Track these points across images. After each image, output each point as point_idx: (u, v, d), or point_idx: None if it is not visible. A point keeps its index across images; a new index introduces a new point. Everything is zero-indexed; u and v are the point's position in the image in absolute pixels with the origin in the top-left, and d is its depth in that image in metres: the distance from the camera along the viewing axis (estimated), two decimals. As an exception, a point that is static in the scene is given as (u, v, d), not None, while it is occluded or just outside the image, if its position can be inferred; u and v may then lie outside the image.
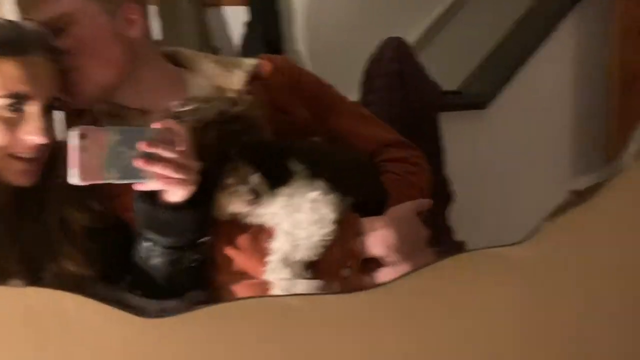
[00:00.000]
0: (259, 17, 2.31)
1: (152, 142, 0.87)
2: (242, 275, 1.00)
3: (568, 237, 0.75)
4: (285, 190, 0.98)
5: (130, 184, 0.90)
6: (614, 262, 0.73)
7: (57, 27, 1.03)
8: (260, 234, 0.99)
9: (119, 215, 1.03)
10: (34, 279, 0.93)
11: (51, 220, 0.98)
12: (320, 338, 0.84)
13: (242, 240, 0.99)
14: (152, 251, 0.94)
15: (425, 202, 1.09)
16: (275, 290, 0.96)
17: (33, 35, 0.95)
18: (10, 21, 0.99)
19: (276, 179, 0.98)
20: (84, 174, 0.85)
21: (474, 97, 2.00)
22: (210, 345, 0.84)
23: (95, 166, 0.85)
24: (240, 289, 1.00)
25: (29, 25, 0.97)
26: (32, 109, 0.92)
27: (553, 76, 2.05)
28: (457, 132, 1.89)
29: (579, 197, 0.72)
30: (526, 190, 1.98)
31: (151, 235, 0.94)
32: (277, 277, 0.96)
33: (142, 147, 0.87)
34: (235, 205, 0.96)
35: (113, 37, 1.07)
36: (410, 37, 2.17)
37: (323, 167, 1.03)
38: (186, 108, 0.97)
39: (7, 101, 0.90)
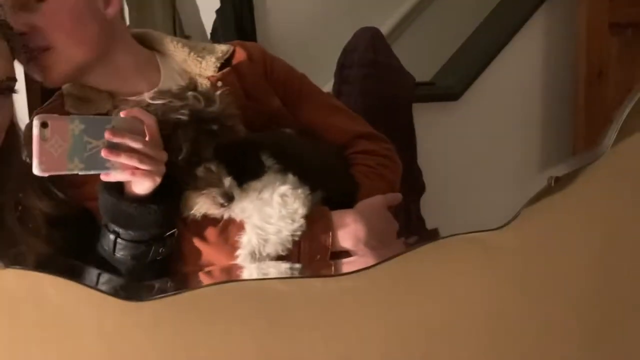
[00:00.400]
0: (231, 4, 2.29)
1: (117, 131, 0.85)
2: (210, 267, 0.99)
3: (546, 223, 0.77)
4: (256, 185, 0.98)
5: (96, 174, 0.87)
6: (591, 247, 0.75)
7: (31, 2, 0.99)
8: (230, 227, 0.98)
9: (83, 204, 1.01)
10: None
11: (8, 207, 0.95)
12: (304, 321, 0.85)
13: (211, 233, 0.98)
14: (116, 244, 0.93)
15: (395, 197, 1.12)
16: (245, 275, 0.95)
17: None
18: None
19: (248, 175, 0.97)
20: (45, 164, 0.82)
21: (447, 89, 2.03)
22: (188, 329, 0.84)
23: (57, 156, 0.82)
24: (208, 277, 0.99)
25: None
26: None
27: (523, 69, 2.09)
28: (429, 123, 1.92)
29: (558, 183, 0.74)
30: (498, 179, 2.03)
31: (116, 228, 0.92)
32: (247, 271, 0.96)
33: (107, 136, 0.84)
34: (207, 207, 0.95)
35: (89, 14, 1.04)
36: (384, 28, 2.19)
37: (294, 161, 1.03)
38: (158, 102, 0.95)
39: None
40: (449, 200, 1.87)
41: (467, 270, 0.78)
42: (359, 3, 2.19)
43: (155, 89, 1.06)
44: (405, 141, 1.91)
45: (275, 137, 1.09)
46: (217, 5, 2.21)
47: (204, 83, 1.12)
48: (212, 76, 1.13)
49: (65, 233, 0.96)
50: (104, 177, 0.88)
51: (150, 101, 0.94)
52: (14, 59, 0.95)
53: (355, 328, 0.87)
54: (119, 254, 0.92)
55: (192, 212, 0.94)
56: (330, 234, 0.99)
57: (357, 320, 0.87)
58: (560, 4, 2.14)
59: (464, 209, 1.99)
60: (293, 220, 0.97)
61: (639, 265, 0.78)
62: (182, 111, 0.93)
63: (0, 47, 0.92)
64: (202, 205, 0.94)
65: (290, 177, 0.97)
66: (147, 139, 0.87)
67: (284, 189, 0.98)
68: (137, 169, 0.86)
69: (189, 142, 0.91)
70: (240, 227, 0.98)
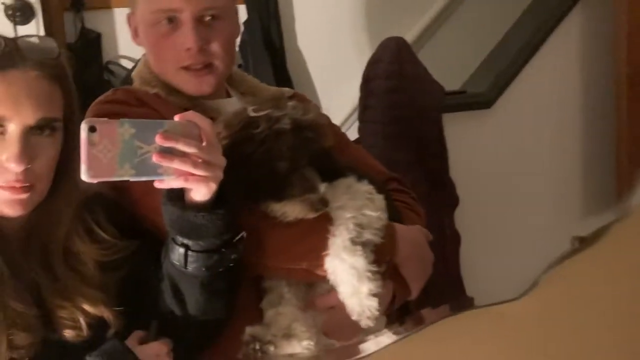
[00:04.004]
0: (257, 15, 2.27)
1: (169, 135, 0.79)
2: (299, 260, 0.96)
3: (568, 290, 0.69)
4: (344, 181, 0.99)
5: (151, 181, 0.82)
6: (614, 313, 0.67)
7: (207, 18, 1.03)
8: (321, 220, 0.96)
9: (139, 227, 0.98)
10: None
11: (57, 255, 0.88)
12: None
13: (301, 225, 0.96)
14: (187, 257, 0.86)
15: (429, 234, 1.12)
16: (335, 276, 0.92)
17: (25, 49, 0.86)
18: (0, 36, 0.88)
19: (337, 175, 0.99)
20: (93, 170, 0.77)
21: (478, 97, 1.94)
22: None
23: (106, 162, 0.77)
24: (295, 274, 0.97)
25: (24, 40, 0.88)
26: (11, 130, 0.82)
27: (559, 72, 1.99)
28: (461, 133, 1.84)
29: (583, 243, 0.67)
30: (534, 191, 1.93)
31: (184, 240, 0.86)
32: (348, 255, 0.94)
33: (159, 140, 0.79)
34: (305, 213, 0.94)
35: (237, 35, 1.12)
36: (410, 34, 2.11)
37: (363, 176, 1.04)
38: (261, 113, 0.94)
39: None
40: (485, 219, 1.79)
41: (488, 344, 0.71)
42: (384, 11, 2.13)
43: (253, 103, 1.08)
44: (435, 152, 1.84)
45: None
46: (244, 16, 2.18)
47: None
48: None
49: (118, 276, 0.89)
50: (157, 184, 0.81)
51: (254, 113, 0.94)
52: (65, 102, 0.92)
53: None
54: (191, 267, 0.86)
55: (289, 218, 0.93)
56: (396, 240, 1.01)
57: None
58: (596, 3, 2.01)
59: (499, 225, 1.91)
60: (379, 217, 0.98)
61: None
62: (285, 120, 0.93)
63: (39, 86, 0.85)
64: (300, 211, 0.94)
65: (366, 182, 1.01)
66: (203, 143, 0.83)
67: (369, 188, 1.01)
68: (191, 174, 0.82)
69: (290, 150, 0.92)
70: (329, 218, 0.97)
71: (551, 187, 1.96)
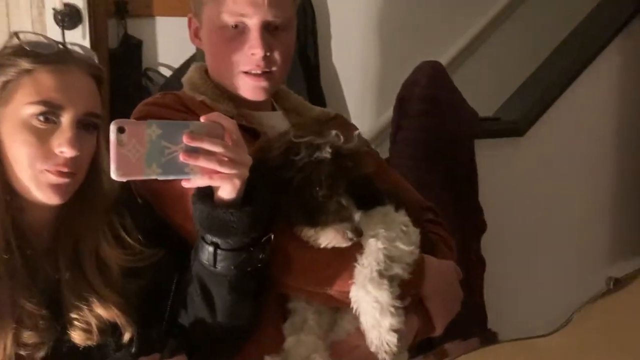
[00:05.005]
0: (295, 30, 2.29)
1: (195, 135, 0.83)
2: (323, 285, 0.96)
3: (601, 327, 0.70)
4: (380, 209, 0.99)
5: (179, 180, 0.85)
6: None
7: (271, 28, 1.06)
8: (353, 245, 0.96)
9: (170, 234, 0.99)
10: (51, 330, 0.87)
11: (88, 256, 0.93)
12: None
13: (331, 249, 0.95)
14: (216, 255, 0.90)
15: (460, 272, 1.11)
16: (358, 305, 0.92)
17: (73, 53, 0.94)
18: (53, 40, 0.97)
19: (375, 203, 0.99)
20: (122, 169, 0.81)
21: (511, 124, 1.94)
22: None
23: (135, 161, 0.81)
24: (318, 298, 0.98)
25: (72, 47, 0.96)
26: (65, 120, 0.89)
27: (593, 103, 1.98)
28: (493, 159, 1.85)
29: (617, 285, 0.67)
30: (560, 226, 1.93)
31: (214, 238, 0.90)
32: (374, 288, 0.93)
33: (185, 140, 0.83)
34: (337, 241, 0.95)
35: (294, 48, 1.13)
36: (443, 58, 2.12)
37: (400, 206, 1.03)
38: (302, 140, 0.95)
39: (39, 109, 0.88)
40: (512, 247, 1.79)
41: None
42: (420, 34, 2.15)
43: (297, 123, 1.10)
44: (465, 177, 1.85)
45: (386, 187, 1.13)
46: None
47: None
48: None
49: (140, 284, 0.93)
50: (184, 184, 0.85)
51: (295, 139, 0.94)
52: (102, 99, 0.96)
53: None
54: (220, 265, 0.90)
55: (322, 245, 0.94)
56: (424, 273, 1.00)
57: None
58: (636, 35, 2.01)
59: (525, 253, 1.91)
60: (412, 252, 0.98)
61: None
62: (326, 149, 0.94)
63: (87, 82, 0.93)
64: (333, 239, 0.94)
65: (404, 212, 1.00)
66: (230, 143, 0.84)
67: (405, 219, 1.00)
68: (216, 172, 0.85)
69: (328, 178, 0.93)
70: (359, 246, 0.97)
71: (581, 218, 1.95)
